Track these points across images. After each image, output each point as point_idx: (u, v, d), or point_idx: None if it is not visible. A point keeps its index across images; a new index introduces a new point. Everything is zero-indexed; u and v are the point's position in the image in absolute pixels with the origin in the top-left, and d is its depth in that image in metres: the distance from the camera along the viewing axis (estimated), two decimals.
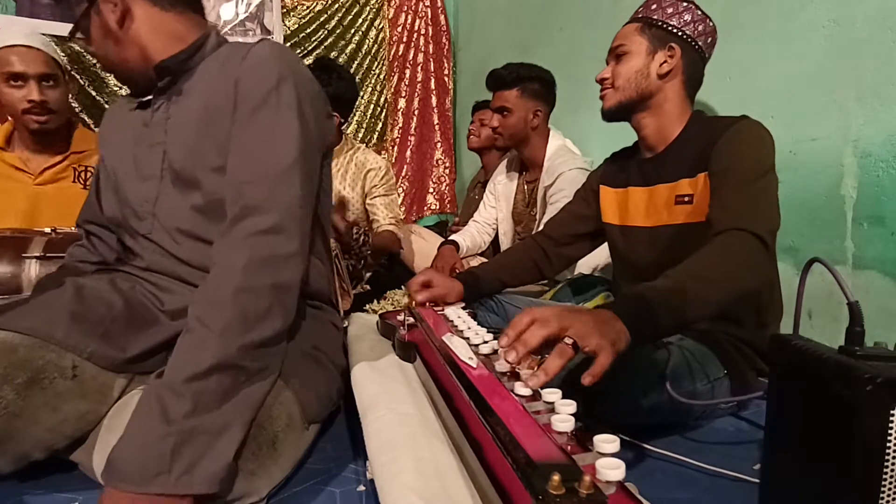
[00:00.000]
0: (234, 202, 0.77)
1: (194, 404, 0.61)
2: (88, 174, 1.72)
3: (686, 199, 1.01)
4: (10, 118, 1.67)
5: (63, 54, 1.77)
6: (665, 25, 1.06)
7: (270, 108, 0.81)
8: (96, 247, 1.03)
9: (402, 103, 3.52)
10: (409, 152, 3.53)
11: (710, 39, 1.09)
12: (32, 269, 1.27)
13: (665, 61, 1.06)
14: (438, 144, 3.60)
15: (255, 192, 0.77)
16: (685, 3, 1.06)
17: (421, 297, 1.12)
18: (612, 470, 0.45)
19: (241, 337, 0.67)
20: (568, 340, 0.64)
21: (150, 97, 0.91)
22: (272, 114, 0.81)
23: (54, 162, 1.67)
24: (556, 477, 0.43)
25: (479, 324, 0.93)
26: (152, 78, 0.90)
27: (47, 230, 1.39)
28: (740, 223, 0.86)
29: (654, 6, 1.07)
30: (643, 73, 1.07)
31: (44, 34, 1.70)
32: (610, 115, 1.13)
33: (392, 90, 3.49)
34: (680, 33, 1.05)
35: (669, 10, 1.06)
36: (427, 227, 2.75)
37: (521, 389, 0.63)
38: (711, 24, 1.08)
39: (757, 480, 0.69)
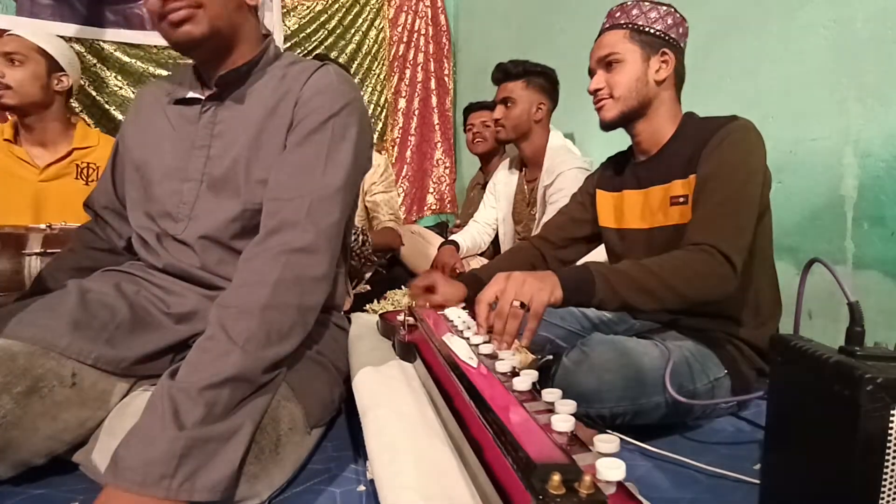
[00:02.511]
0: (272, 215, 0.79)
1: (206, 412, 0.61)
2: (91, 171, 1.73)
3: (681, 199, 1.01)
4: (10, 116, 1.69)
5: (47, 44, 1.74)
6: (653, 31, 1.05)
7: (327, 133, 0.84)
8: (106, 232, 1.03)
9: (402, 103, 3.52)
10: (409, 152, 3.53)
11: (686, 36, 1.10)
12: (33, 265, 1.27)
13: (660, 68, 1.06)
14: (438, 144, 3.60)
15: (296, 210, 0.78)
16: (664, 7, 1.06)
17: (423, 303, 1.13)
18: (612, 470, 0.45)
19: (262, 352, 0.68)
20: (515, 303, 0.80)
21: (193, 95, 0.91)
22: (328, 140, 0.84)
23: (58, 158, 1.69)
24: (556, 477, 0.43)
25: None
26: (217, 67, 0.89)
27: (43, 226, 1.39)
28: (710, 239, 0.89)
29: (634, 12, 1.06)
30: (642, 80, 1.06)
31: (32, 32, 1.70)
32: (610, 126, 1.11)
33: (392, 90, 3.49)
34: (667, 37, 1.06)
35: (653, 15, 1.05)
36: (427, 227, 2.75)
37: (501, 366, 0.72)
38: (683, 19, 1.08)
39: (757, 480, 0.69)
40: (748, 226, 0.93)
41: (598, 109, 1.11)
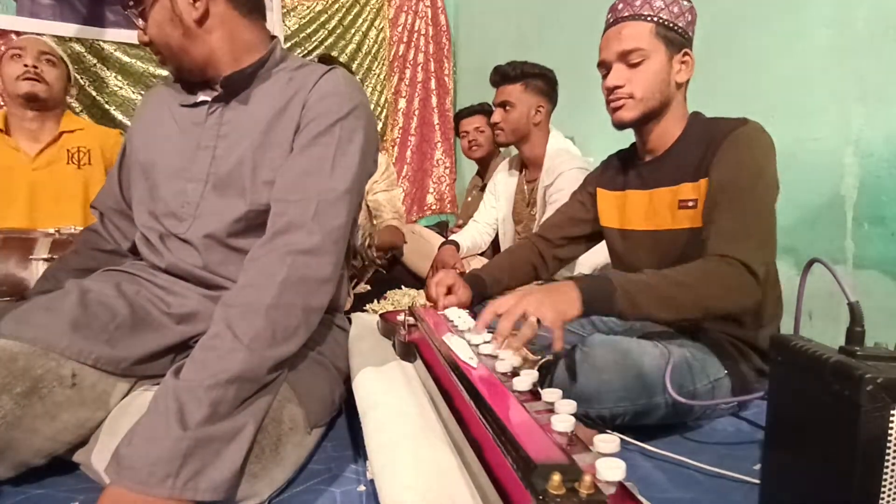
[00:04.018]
0: (279, 216, 0.79)
1: (211, 412, 0.61)
2: (81, 154, 1.77)
3: (690, 203, 0.99)
4: (3, 102, 1.78)
5: (65, 54, 1.81)
6: (678, 28, 1.00)
7: (335, 136, 0.84)
8: (112, 234, 1.03)
9: (402, 103, 3.52)
10: (409, 152, 3.53)
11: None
12: (40, 270, 1.28)
13: (681, 69, 1.02)
14: (438, 144, 3.60)
15: (302, 211, 0.79)
16: (685, 2, 1.01)
17: (445, 303, 1.10)
18: (612, 470, 0.45)
19: (267, 352, 0.68)
20: (532, 319, 0.80)
21: (203, 98, 0.91)
22: (335, 143, 0.84)
23: (47, 143, 1.73)
24: (556, 477, 0.43)
25: None
26: (209, 80, 0.90)
27: (51, 230, 1.40)
28: (735, 252, 0.87)
29: (658, 3, 0.99)
30: (665, 81, 1.00)
31: (43, 34, 1.76)
32: (626, 126, 1.05)
33: (392, 90, 3.49)
34: (686, 36, 1.02)
35: (675, 10, 0.99)
36: (427, 226, 2.75)
37: (501, 366, 0.73)
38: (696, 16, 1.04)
39: (757, 480, 0.69)
40: (772, 238, 0.92)
41: (616, 108, 1.03)
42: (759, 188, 0.92)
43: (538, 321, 0.80)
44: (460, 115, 2.46)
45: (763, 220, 0.92)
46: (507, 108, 1.85)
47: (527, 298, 0.81)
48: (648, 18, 0.99)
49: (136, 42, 3.05)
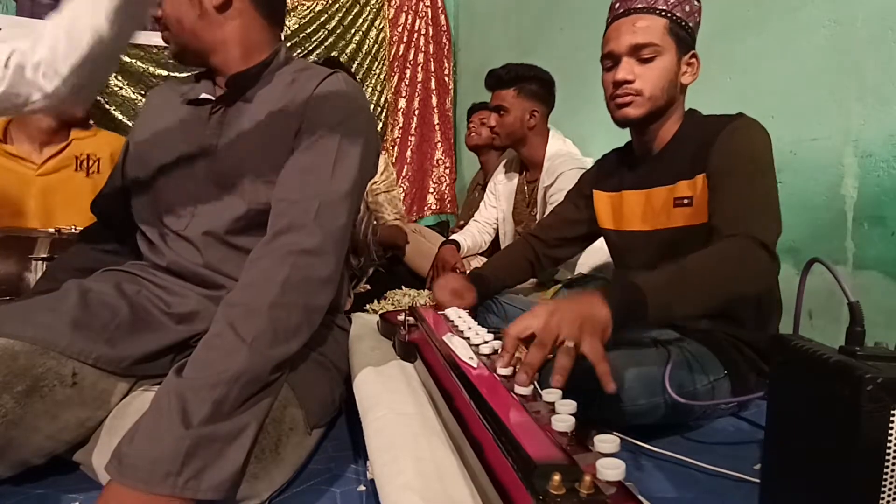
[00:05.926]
0: (281, 216, 0.80)
1: (213, 411, 0.61)
2: (91, 162, 1.74)
3: (685, 201, 0.98)
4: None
5: None
6: (687, 28, 0.98)
7: (336, 137, 0.85)
8: (112, 233, 1.03)
9: (402, 103, 3.52)
10: (409, 152, 3.54)
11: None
12: (39, 270, 1.27)
13: (686, 71, 1.00)
14: (438, 144, 3.60)
15: (304, 212, 0.79)
16: (696, 2, 1.00)
17: (450, 305, 1.07)
18: (612, 470, 0.45)
19: (269, 351, 0.68)
20: (569, 343, 0.68)
21: (207, 97, 0.92)
22: (337, 144, 0.85)
23: (58, 150, 1.70)
24: (556, 477, 0.43)
25: (479, 324, 0.93)
26: (209, 68, 0.91)
27: (51, 230, 1.40)
28: (745, 229, 0.84)
29: (673, 0, 0.96)
30: (673, 81, 0.99)
31: None
32: (630, 124, 1.03)
33: (392, 90, 3.49)
34: (693, 37, 1.01)
35: (687, 9, 0.97)
36: (427, 226, 2.76)
37: (522, 390, 0.65)
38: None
39: (757, 480, 0.69)
40: (778, 214, 0.89)
41: (623, 104, 0.99)
42: (758, 170, 0.91)
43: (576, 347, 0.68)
44: (472, 110, 2.51)
45: (770, 198, 0.90)
46: (502, 112, 1.85)
47: (560, 324, 0.69)
48: (663, 13, 0.97)
49: (136, 42, 3.07)
